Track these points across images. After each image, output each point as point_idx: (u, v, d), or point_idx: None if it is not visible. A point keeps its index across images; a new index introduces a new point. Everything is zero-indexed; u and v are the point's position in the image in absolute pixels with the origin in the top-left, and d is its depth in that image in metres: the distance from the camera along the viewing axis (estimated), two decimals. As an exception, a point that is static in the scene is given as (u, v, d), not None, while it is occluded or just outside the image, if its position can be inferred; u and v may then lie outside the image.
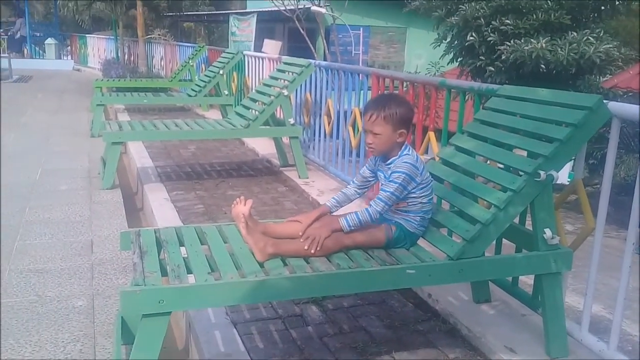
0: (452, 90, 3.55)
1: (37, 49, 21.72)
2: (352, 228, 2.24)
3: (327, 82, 5.42)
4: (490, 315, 2.69)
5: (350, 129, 4.89)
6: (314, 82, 5.66)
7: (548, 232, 2.25)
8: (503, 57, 5.67)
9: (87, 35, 21.20)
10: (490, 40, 5.84)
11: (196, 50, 10.61)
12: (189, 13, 22.11)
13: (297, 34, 12.28)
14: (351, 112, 4.90)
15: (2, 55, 16.92)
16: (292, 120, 5.38)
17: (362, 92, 4.82)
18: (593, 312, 2.46)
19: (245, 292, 2.01)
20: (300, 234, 2.27)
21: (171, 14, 18.98)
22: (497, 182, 2.32)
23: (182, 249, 2.29)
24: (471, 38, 5.97)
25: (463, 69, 6.65)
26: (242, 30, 14.41)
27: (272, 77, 5.85)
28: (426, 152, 3.89)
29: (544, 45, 5.42)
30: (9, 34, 21.84)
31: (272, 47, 12.59)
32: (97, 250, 3.61)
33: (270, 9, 12.89)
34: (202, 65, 10.55)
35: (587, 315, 2.40)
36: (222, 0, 24.94)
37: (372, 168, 2.47)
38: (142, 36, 13.92)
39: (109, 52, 18.11)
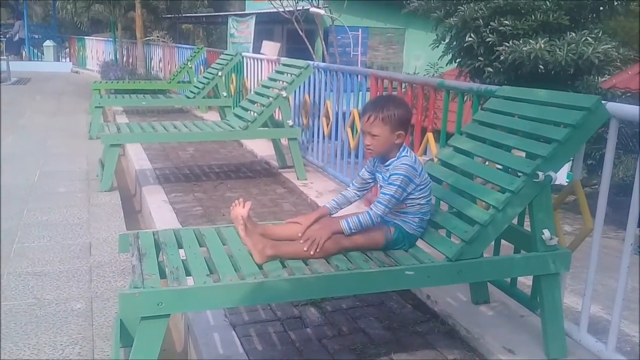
0: (451, 91, 3.55)
1: (35, 51, 21.71)
2: (353, 231, 2.24)
3: (325, 83, 5.42)
4: (489, 316, 2.69)
5: (349, 130, 4.89)
6: (313, 84, 5.66)
7: (546, 233, 2.25)
8: (502, 57, 5.67)
9: (85, 37, 21.19)
10: (489, 41, 5.84)
11: (195, 52, 10.61)
12: (187, 15, 22.07)
13: (295, 36, 12.28)
14: (350, 114, 4.90)
15: (0, 57, 16.92)
16: (290, 122, 5.38)
17: (360, 93, 4.82)
18: (591, 313, 2.46)
19: (244, 294, 2.01)
20: (300, 234, 2.27)
21: (170, 15, 18.96)
22: (496, 183, 2.32)
23: (181, 251, 2.28)
24: (470, 39, 5.97)
25: (462, 70, 6.65)
26: (241, 31, 14.42)
27: (270, 79, 5.84)
28: (425, 153, 3.89)
29: (542, 45, 5.42)
30: (7, 36, 21.85)
31: (270, 48, 12.61)
32: (96, 253, 3.60)
33: (268, 11, 12.89)
34: (201, 67, 10.55)
35: (585, 316, 2.40)
36: (220, 2, 24.92)
37: (371, 170, 2.47)
38: (140, 38, 13.91)
39: (107, 54, 18.11)
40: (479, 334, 2.51)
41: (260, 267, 2.14)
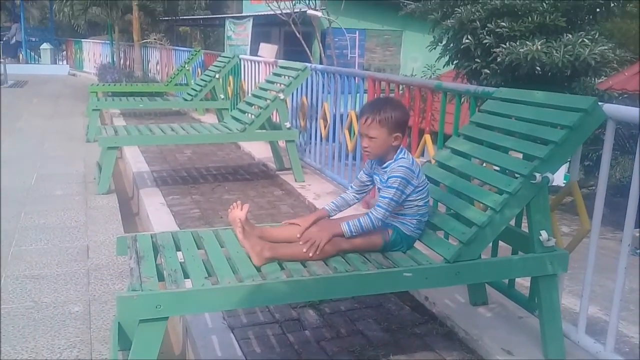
0: (448, 93, 3.55)
1: (32, 54, 21.71)
2: (354, 234, 2.24)
3: (323, 85, 5.42)
4: (487, 317, 2.69)
5: (347, 132, 4.89)
6: (310, 86, 5.67)
7: (544, 234, 2.25)
8: (498, 59, 5.69)
9: (82, 39, 21.19)
10: (486, 43, 5.86)
11: (192, 55, 10.61)
12: (184, 17, 22.09)
13: (293, 38, 12.29)
14: (347, 116, 4.90)
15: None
16: (288, 124, 5.38)
17: (358, 95, 4.82)
18: (589, 314, 2.47)
19: (242, 297, 2.00)
20: (298, 236, 2.28)
21: (167, 18, 18.97)
22: (493, 184, 2.32)
23: (179, 253, 2.28)
24: (467, 41, 5.98)
25: (459, 72, 6.66)
26: (238, 34, 14.41)
27: (268, 81, 5.85)
28: (422, 154, 3.89)
29: (539, 47, 5.43)
30: (4, 39, 21.82)
31: (268, 50, 12.60)
32: (93, 256, 3.60)
33: (266, 13, 12.89)
34: (198, 69, 10.55)
35: (583, 317, 2.40)
36: (218, 5, 24.93)
37: (369, 172, 2.48)
38: (137, 40, 13.90)
39: (104, 56, 18.10)
40: (478, 335, 2.51)
41: (258, 269, 2.14)
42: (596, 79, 5.88)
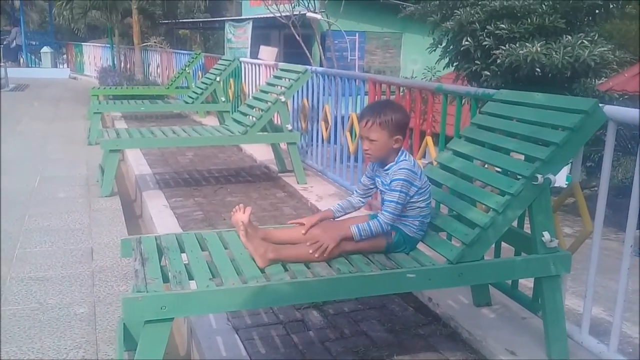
0: (449, 94, 3.57)
1: (33, 57, 21.73)
2: (363, 237, 2.26)
3: (324, 88, 5.44)
4: (491, 318, 2.71)
5: (348, 134, 4.91)
6: (311, 88, 5.68)
7: (546, 235, 2.27)
8: (498, 61, 5.71)
9: (83, 43, 21.21)
10: (486, 45, 5.88)
11: (192, 58, 10.63)
12: (184, 20, 22.14)
13: (292, 41, 12.33)
14: (348, 118, 4.92)
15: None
16: (289, 126, 5.40)
17: (359, 97, 4.84)
18: (593, 315, 2.48)
19: (246, 298, 2.02)
20: (303, 232, 2.30)
21: (167, 21, 19.00)
22: (495, 186, 2.34)
23: (183, 255, 2.29)
24: (466, 43, 6.01)
25: (459, 74, 6.69)
26: (238, 37, 14.44)
27: (269, 84, 5.87)
28: (424, 156, 3.91)
29: (539, 49, 5.46)
30: (4, 43, 21.84)
31: (268, 53, 12.63)
32: (98, 258, 3.61)
33: (265, 16, 12.94)
34: (199, 72, 10.57)
35: (587, 318, 2.41)
36: (217, 8, 24.97)
37: (371, 175, 2.50)
38: (138, 44, 13.93)
39: (105, 60, 18.13)
40: (481, 336, 2.52)
41: (262, 270, 2.15)
42: (596, 80, 5.92)
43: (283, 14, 11.43)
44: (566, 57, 5.41)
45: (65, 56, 23.10)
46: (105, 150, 4.92)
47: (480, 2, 6.05)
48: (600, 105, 2.23)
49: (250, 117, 5.45)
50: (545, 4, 5.79)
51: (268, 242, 2.25)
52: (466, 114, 3.28)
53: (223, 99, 8.37)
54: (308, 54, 11.98)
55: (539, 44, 5.50)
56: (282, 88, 5.43)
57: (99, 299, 3.06)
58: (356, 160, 4.71)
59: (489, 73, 5.96)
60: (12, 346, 2.56)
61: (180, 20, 20.86)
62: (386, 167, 2.37)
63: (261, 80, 7.13)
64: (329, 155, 5.40)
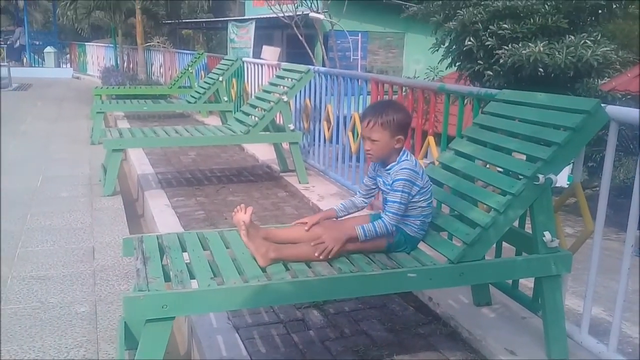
0: (451, 94, 3.57)
1: (36, 57, 21.78)
2: (368, 238, 2.26)
3: (326, 87, 5.44)
4: (491, 318, 2.71)
5: (350, 134, 4.91)
6: (314, 88, 5.69)
7: (547, 235, 2.26)
8: (501, 61, 5.71)
9: (86, 43, 21.25)
10: (488, 45, 5.88)
11: (195, 58, 10.65)
12: (187, 20, 22.17)
13: (295, 41, 12.32)
14: (351, 117, 4.92)
15: (1, 64, 16.97)
16: (291, 126, 5.40)
17: (361, 97, 4.84)
18: (593, 315, 2.48)
19: (248, 297, 2.02)
20: (306, 229, 2.32)
21: (170, 21, 19.03)
22: (497, 186, 2.34)
23: (185, 254, 2.30)
24: (469, 43, 6.01)
25: (461, 74, 6.69)
26: (241, 37, 14.45)
27: (271, 84, 5.88)
28: (425, 156, 3.91)
29: (541, 49, 5.45)
30: (8, 42, 21.92)
31: (270, 53, 12.64)
32: (99, 257, 3.62)
33: (268, 16, 12.94)
34: (202, 72, 10.58)
35: (586, 318, 2.41)
36: (220, 8, 25.00)
37: (373, 175, 2.50)
38: (141, 44, 13.96)
39: (108, 59, 18.16)
40: (481, 335, 2.52)
41: (263, 270, 2.15)
42: (599, 80, 5.91)
43: (286, 14, 11.43)
44: (569, 57, 5.41)
45: (68, 56, 23.14)
46: (108, 150, 4.93)
47: (483, 2, 6.05)
48: (602, 105, 2.23)
49: (253, 116, 5.46)
50: (548, 4, 5.79)
51: (269, 242, 2.25)
52: (468, 114, 3.29)
53: (225, 98, 8.38)
54: (311, 54, 11.97)
55: (541, 44, 5.49)
56: (285, 88, 5.43)
57: (100, 298, 3.07)
58: (358, 160, 4.72)
59: (491, 73, 5.96)
60: (13, 345, 2.57)
61: (183, 21, 20.89)
62: (388, 167, 2.37)
63: (264, 80, 7.14)
64: (331, 155, 5.40)
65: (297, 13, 11.49)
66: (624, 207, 2.55)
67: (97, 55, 19.39)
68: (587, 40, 5.51)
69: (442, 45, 6.78)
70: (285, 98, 5.32)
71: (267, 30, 16.17)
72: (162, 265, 2.20)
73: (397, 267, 2.20)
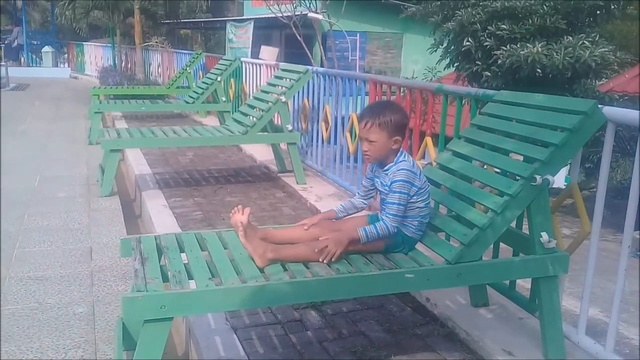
0: (449, 95, 3.57)
1: (34, 57, 21.75)
2: (370, 240, 2.27)
3: (324, 88, 5.45)
4: (488, 318, 2.71)
5: (348, 134, 4.91)
6: (312, 89, 5.69)
7: (545, 236, 2.27)
8: (499, 61, 5.71)
9: (84, 43, 21.23)
10: (487, 45, 5.88)
11: (193, 58, 10.65)
12: (185, 20, 22.16)
13: (294, 41, 12.33)
14: (349, 118, 4.93)
15: (-1, 63, 16.95)
16: (289, 127, 5.41)
17: (359, 97, 4.85)
18: (590, 316, 2.48)
19: (246, 297, 2.03)
20: (305, 228, 2.33)
21: (168, 21, 19.03)
22: (494, 186, 2.34)
23: (183, 255, 2.30)
24: (467, 43, 6.01)
25: (460, 74, 6.69)
26: (239, 37, 14.44)
27: (269, 84, 5.88)
28: (423, 157, 3.91)
29: (539, 49, 5.46)
30: (5, 42, 21.87)
31: (269, 53, 12.64)
32: (97, 257, 3.62)
33: (267, 16, 12.94)
34: (200, 72, 10.58)
35: (583, 318, 2.42)
36: (219, 7, 24.99)
37: (371, 176, 2.50)
38: (139, 43, 13.95)
39: (106, 59, 18.15)
40: (479, 336, 2.53)
41: (261, 270, 2.15)
42: (597, 81, 5.91)
43: (284, 14, 11.44)
44: (567, 58, 5.41)
45: (66, 55, 23.12)
46: (106, 150, 4.93)
47: (481, 3, 6.05)
48: (599, 106, 2.24)
49: (251, 117, 5.46)
50: (547, 4, 5.79)
51: (267, 242, 2.26)
52: (466, 114, 3.29)
53: (224, 99, 8.38)
54: (309, 54, 11.99)
55: (539, 45, 5.50)
56: (283, 88, 5.43)
57: (97, 298, 3.07)
58: (356, 160, 4.72)
59: (489, 74, 5.96)
60: (11, 345, 2.57)
61: (181, 20, 20.88)
62: (385, 168, 2.38)
63: (262, 80, 7.13)
64: (328, 155, 5.41)
65: (296, 13, 11.50)
66: (621, 208, 2.56)
67: (95, 55, 19.38)
68: (585, 41, 5.52)
69: (440, 46, 6.78)
70: (283, 98, 5.32)
71: (266, 31, 16.16)
72: (160, 265, 2.20)
73: (395, 268, 2.21)
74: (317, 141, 5.63)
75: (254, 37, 13.70)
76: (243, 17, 16.75)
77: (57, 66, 20.94)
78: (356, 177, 4.67)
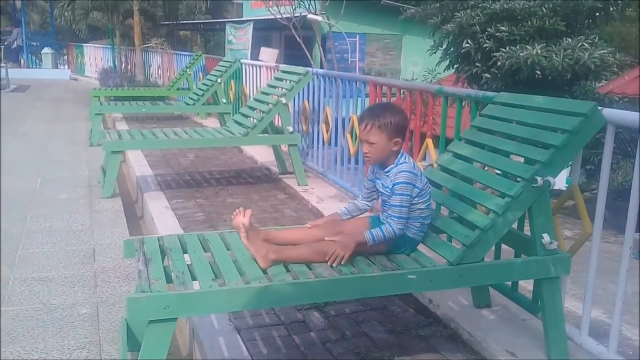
0: (449, 97, 3.59)
1: (34, 58, 21.77)
2: (376, 243, 2.28)
3: (324, 90, 5.46)
4: (491, 320, 2.73)
5: (349, 136, 4.93)
6: (312, 90, 5.70)
7: (546, 237, 2.28)
8: (499, 63, 5.73)
9: (83, 44, 21.24)
10: (486, 47, 5.90)
11: (193, 59, 10.67)
12: (185, 22, 22.17)
13: (293, 42, 12.34)
14: (349, 120, 4.94)
15: (-1, 65, 16.96)
16: (290, 128, 5.42)
17: (359, 99, 4.86)
18: (593, 317, 2.50)
19: (249, 298, 2.04)
20: (309, 226, 2.38)
21: (167, 22, 19.04)
22: (495, 188, 2.36)
23: (186, 256, 2.31)
24: (467, 45, 6.03)
25: (459, 76, 6.71)
26: (239, 38, 14.46)
27: (270, 86, 5.89)
28: (424, 158, 3.93)
29: (539, 51, 5.48)
30: (5, 43, 21.89)
31: (268, 55, 12.64)
32: (100, 259, 3.63)
33: (266, 17, 12.95)
34: (200, 73, 10.60)
35: (586, 319, 2.43)
36: (218, 9, 25.00)
37: (372, 178, 2.52)
38: (139, 45, 13.96)
39: (105, 61, 18.16)
40: (481, 337, 2.54)
41: (264, 271, 2.17)
42: (596, 83, 5.93)
43: (284, 16, 11.45)
44: (566, 60, 5.43)
45: (66, 57, 23.13)
46: (107, 152, 4.94)
47: (480, 5, 6.07)
48: (599, 108, 2.26)
49: (251, 118, 5.47)
50: (546, 6, 5.81)
51: (270, 243, 2.27)
52: (466, 116, 3.31)
53: (224, 100, 8.40)
54: (309, 56, 11.99)
55: (539, 47, 5.52)
56: (283, 90, 5.45)
57: (101, 299, 3.08)
58: (357, 162, 4.73)
59: (489, 75, 5.98)
60: (16, 346, 2.58)
61: (181, 22, 20.89)
62: (386, 170, 2.40)
63: (262, 82, 7.15)
64: (329, 157, 5.42)
65: (295, 15, 11.51)
66: (622, 209, 2.57)
67: (95, 57, 19.39)
68: (584, 43, 5.54)
69: (440, 48, 6.80)
70: (283, 100, 5.33)
71: (265, 32, 16.17)
72: (164, 266, 2.21)
73: (397, 269, 2.22)
74: (318, 143, 5.64)
75: (254, 38, 13.71)
76: (242, 19, 16.75)
77: (57, 68, 20.96)
78: (357, 178, 4.69)
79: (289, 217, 4.48)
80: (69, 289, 3.18)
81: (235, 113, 6.79)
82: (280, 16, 11.43)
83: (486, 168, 2.62)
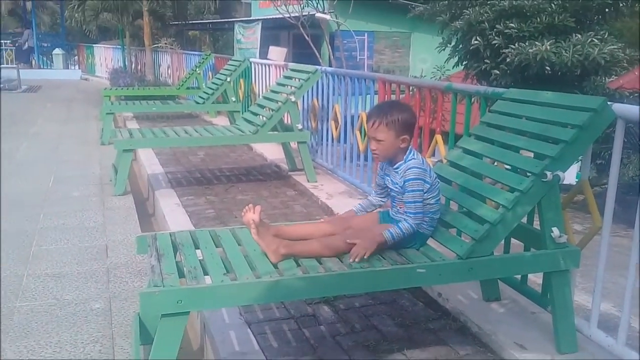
0: (458, 93, 3.60)
1: (44, 59, 21.92)
2: (395, 241, 2.31)
3: (333, 87, 5.48)
4: (500, 313, 2.74)
5: (358, 133, 4.94)
6: (321, 88, 5.73)
7: (555, 231, 2.29)
8: (508, 60, 5.72)
9: (94, 45, 21.38)
10: (495, 44, 5.90)
11: (203, 59, 10.72)
12: (194, 22, 22.26)
13: (302, 41, 12.36)
14: (358, 117, 4.96)
15: (10, 65, 17.11)
16: (299, 126, 5.45)
17: (368, 96, 4.87)
18: (602, 310, 2.50)
19: (260, 292, 2.06)
20: (322, 220, 2.38)
21: (177, 22, 19.13)
22: (505, 183, 2.37)
23: (198, 251, 2.34)
24: (476, 42, 6.02)
25: (468, 73, 6.70)
26: (247, 37, 14.48)
27: (279, 84, 5.92)
28: (433, 154, 3.94)
29: (548, 47, 5.47)
30: (16, 45, 22.06)
31: (277, 54, 12.67)
32: (112, 255, 3.67)
33: (274, 17, 12.99)
34: (209, 72, 10.65)
35: (595, 312, 2.43)
36: (226, 8, 25.07)
37: (382, 174, 2.54)
38: (148, 45, 14.05)
39: (116, 61, 18.27)
40: (491, 330, 2.55)
41: (275, 266, 2.19)
42: (606, 79, 5.90)
43: (292, 15, 11.47)
44: (576, 56, 5.42)
45: (76, 57, 23.28)
46: (119, 150, 4.99)
47: (489, 2, 6.07)
48: (609, 103, 2.26)
49: (261, 116, 5.50)
50: (555, 3, 5.80)
51: (280, 239, 2.29)
52: (475, 112, 3.32)
53: (233, 99, 8.43)
54: (317, 54, 12.02)
55: (548, 43, 5.51)
56: (292, 88, 5.47)
57: (114, 294, 3.12)
58: (366, 159, 4.75)
59: (498, 72, 5.98)
60: (30, 341, 2.63)
61: (190, 22, 20.97)
62: (395, 166, 2.42)
63: (271, 81, 7.18)
64: (339, 154, 5.44)
65: (303, 13, 11.53)
66: (632, 203, 2.57)
67: (105, 57, 19.51)
68: (594, 39, 5.52)
69: (448, 45, 6.80)
70: (293, 98, 5.36)
71: (274, 31, 16.21)
72: (176, 262, 2.24)
73: (407, 263, 2.24)
74: (327, 140, 5.66)
75: (262, 37, 13.73)
76: (251, 18, 16.80)
77: (68, 68, 21.09)
78: (366, 175, 4.71)
79: (299, 213, 4.50)
80: (82, 285, 3.22)
81: (245, 111, 6.82)
82: (288, 15, 11.46)
83: (496, 163, 2.63)
